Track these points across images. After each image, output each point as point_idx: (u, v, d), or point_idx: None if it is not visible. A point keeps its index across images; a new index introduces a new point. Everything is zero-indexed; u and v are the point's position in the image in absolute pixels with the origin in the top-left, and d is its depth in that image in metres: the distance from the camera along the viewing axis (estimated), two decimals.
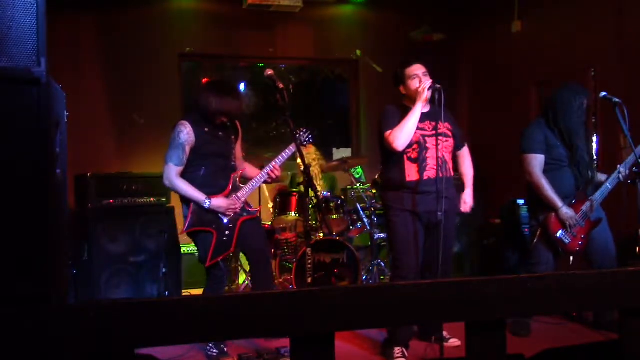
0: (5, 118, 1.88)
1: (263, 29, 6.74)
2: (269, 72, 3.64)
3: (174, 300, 1.61)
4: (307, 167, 3.69)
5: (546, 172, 4.04)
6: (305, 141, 4.05)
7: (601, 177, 4.14)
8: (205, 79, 7.17)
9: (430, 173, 3.71)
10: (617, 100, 3.83)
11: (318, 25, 6.99)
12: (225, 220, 3.72)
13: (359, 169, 6.33)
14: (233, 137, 3.88)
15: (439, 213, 3.54)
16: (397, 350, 3.74)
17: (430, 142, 3.72)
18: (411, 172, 3.72)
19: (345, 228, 5.35)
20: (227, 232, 3.72)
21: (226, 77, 8.16)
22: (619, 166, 4.02)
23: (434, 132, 3.71)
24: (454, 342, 3.93)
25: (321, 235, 5.24)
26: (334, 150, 7.63)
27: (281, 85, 3.59)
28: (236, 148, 3.90)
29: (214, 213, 3.67)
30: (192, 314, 1.48)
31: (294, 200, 5.43)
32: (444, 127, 3.76)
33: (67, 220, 2.36)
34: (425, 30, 6.73)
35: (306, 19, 6.76)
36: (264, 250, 3.96)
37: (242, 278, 5.57)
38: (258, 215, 3.95)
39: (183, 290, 5.25)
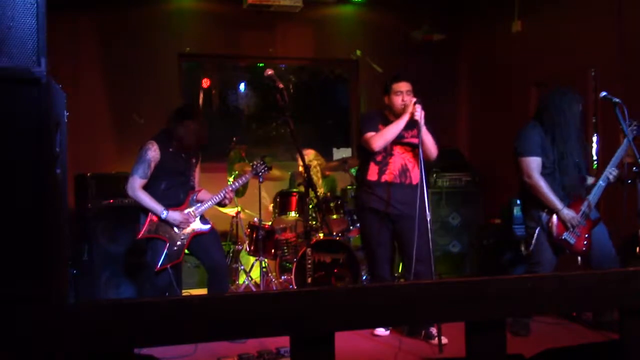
0: (5, 118, 1.88)
1: (263, 29, 6.73)
2: (269, 72, 3.65)
3: (174, 300, 1.61)
4: (307, 167, 3.72)
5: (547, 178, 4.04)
6: (260, 172, 4.64)
7: (590, 179, 4.15)
8: (206, 79, 7.18)
9: (387, 177, 4.15)
10: (617, 100, 3.82)
11: (318, 25, 6.98)
12: (178, 232, 4.12)
13: None
14: (194, 160, 4.30)
15: (428, 214, 3.86)
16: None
17: (396, 150, 4.16)
18: (372, 173, 4.18)
19: (345, 228, 5.35)
20: (178, 243, 4.12)
21: (226, 77, 8.15)
22: (607, 167, 4.02)
23: (402, 140, 4.13)
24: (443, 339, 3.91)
25: (321, 235, 5.24)
26: (334, 150, 7.62)
27: (281, 85, 3.60)
28: (196, 171, 4.34)
29: (168, 224, 4.08)
30: (192, 314, 1.48)
31: (294, 200, 5.43)
32: (413, 137, 4.09)
33: (67, 220, 2.36)
34: (425, 30, 6.73)
35: (306, 19, 6.76)
36: (219, 261, 4.29)
37: (242, 278, 5.57)
38: (212, 229, 4.30)
39: (183, 290, 5.24)
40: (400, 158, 4.16)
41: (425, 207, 3.88)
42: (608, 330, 4.01)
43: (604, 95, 3.91)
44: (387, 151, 4.14)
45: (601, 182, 4.02)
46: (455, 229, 6.30)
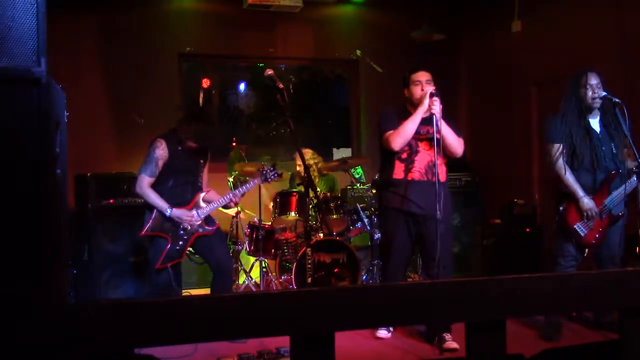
0: (5, 118, 1.88)
1: (263, 29, 6.73)
2: (269, 72, 3.65)
3: (173, 300, 1.61)
4: (307, 167, 3.73)
5: (569, 166, 3.95)
6: (270, 179, 4.50)
7: (630, 164, 4.01)
8: (206, 79, 7.18)
9: (414, 175, 3.99)
10: (617, 100, 3.81)
11: (318, 25, 6.98)
12: (181, 231, 4.11)
13: (359, 169, 6.33)
14: (202, 160, 4.31)
15: (438, 212, 3.70)
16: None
17: (422, 147, 4.00)
18: (398, 171, 4.02)
19: (345, 228, 5.35)
20: (180, 242, 4.11)
21: (226, 77, 8.15)
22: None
23: (427, 136, 3.97)
24: (451, 344, 3.87)
25: (321, 235, 5.24)
26: (334, 150, 7.63)
27: (281, 85, 3.60)
28: (204, 171, 4.35)
29: (172, 222, 4.09)
30: (192, 314, 1.48)
31: (294, 200, 5.42)
32: (438, 132, 3.88)
33: (67, 220, 2.36)
34: (425, 30, 6.73)
35: (306, 19, 6.76)
36: (225, 261, 4.31)
37: (242, 278, 5.57)
38: (217, 230, 4.32)
39: (183, 290, 5.24)
40: (427, 155, 3.98)
41: (440, 207, 3.71)
42: (608, 330, 4.01)
43: (604, 95, 3.89)
44: (413, 148, 3.99)
45: (634, 178, 3.92)
46: (455, 229, 6.29)
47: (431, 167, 3.95)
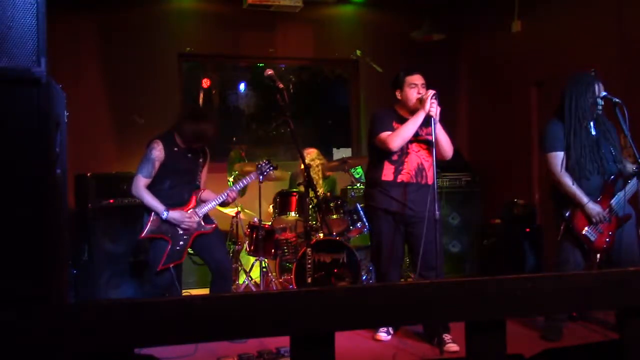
0: (5, 118, 1.89)
1: (263, 29, 6.73)
2: (269, 72, 3.66)
3: (174, 300, 1.61)
4: (307, 167, 3.73)
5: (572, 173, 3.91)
6: (266, 172, 4.58)
7: (630, 166, 4.00)
8: (206, 79, 7.18)
9: (404, 177, 3.99)
10: (617, 100, 3.80)
11: (318, 25, 6.98)
12: (181, 232, 4.11)
13: (359, 169, 6.33)
14: (201, 160, 4.29)
15: (437, 212, 3.72)
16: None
17: (412, 148, 4.00)
18: (388, 173, 4.01)
19: (345, 228, 5.35)
20: (180, 243, 4.11)
21: (226, 77, 8.15)
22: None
23: (418, 138, 3.98)
24: (451, 346, 3.85)
25: (321, 235, 5.24)
26: (334, 150, 7.63)
27: (281, 85, 3.61)
28: (202, 171, 4.33)
29: (171, 223, 4.07)
30: (192, 314, 1.48)
31: (294, 200, 5.43)
32: (428, 134, 3.89)
33: (67, 220, 2.36)
34: (425, 30, 6.73)
35: (306, 19, 6.76)
36: (223, 261, 4.30)
37: (242, 278, 5.57)
38: (216, 230, 4.31)
39: (183, 290, 5.24)
40: (416, 157, 4.00)
41: (437, 208, 3.74)
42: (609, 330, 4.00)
43: (604, 95, 3.87)
44: (403, 150, 3.98)
45: (636, 179, 3.91)
46: (455, 229, 6.30)
47: (421, 170, 4.00)
